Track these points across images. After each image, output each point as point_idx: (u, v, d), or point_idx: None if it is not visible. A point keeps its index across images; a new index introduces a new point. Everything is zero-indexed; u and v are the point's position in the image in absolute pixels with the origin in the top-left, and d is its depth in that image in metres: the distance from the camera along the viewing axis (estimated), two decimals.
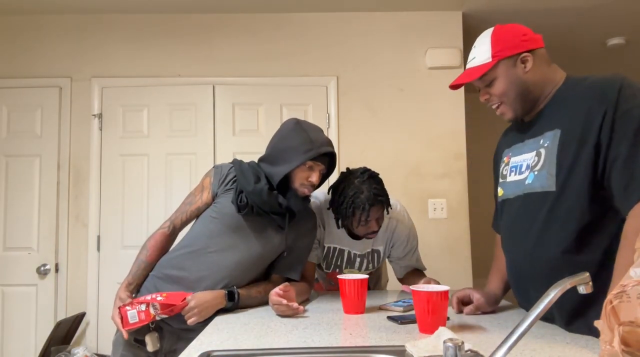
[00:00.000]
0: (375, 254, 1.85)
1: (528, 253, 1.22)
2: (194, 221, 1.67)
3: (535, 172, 1.21)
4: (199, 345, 1.10)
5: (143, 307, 1.42)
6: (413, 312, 1.41)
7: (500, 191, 1.39)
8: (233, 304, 1.50)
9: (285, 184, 1.58)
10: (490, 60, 1.23)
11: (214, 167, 1.68)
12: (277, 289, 1.42)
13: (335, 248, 1.81)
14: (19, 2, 2.94)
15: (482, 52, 1.25)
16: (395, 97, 3.11)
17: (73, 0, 2.93)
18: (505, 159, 1.39)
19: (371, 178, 1.67)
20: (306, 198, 1.64)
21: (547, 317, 1.21)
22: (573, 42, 3.55)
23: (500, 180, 1.39)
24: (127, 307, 1.43)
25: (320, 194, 1.84)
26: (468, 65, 1.30)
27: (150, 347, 1.47)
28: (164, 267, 1.58)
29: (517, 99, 1.24)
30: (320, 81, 3.11)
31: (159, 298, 1.42)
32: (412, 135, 3.07)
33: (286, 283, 1.48)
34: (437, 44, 3.11)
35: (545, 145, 1.20)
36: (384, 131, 3.07)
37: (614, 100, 1.08)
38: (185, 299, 1.43)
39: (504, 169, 1.38)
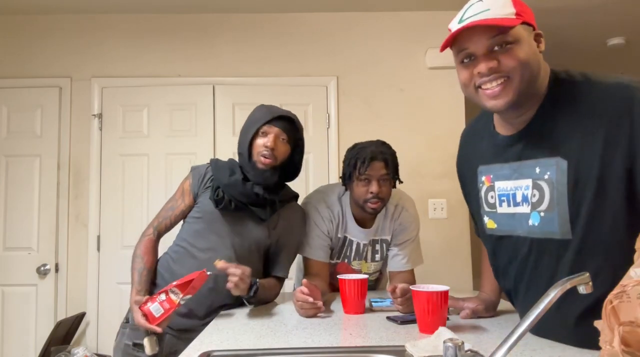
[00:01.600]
0: (384, 244, 1.85)
1: (551, 312, 0.88)
2: (177, 225, 1.67)
3: (542, 214, 1.02)
4: (199, 345, 1.11)
5: (163, 296, 1.37)
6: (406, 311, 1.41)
7: (489, 222, 1.17)
8: (252, 297, 1.48)
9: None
10: (514, 16, 0.95)
11: (191, 169, 1.68)
12: (302, 287, 1.41)
13: (346, 238, 1.82)
14: (19, 2, 2.94)
15: (499, 3, 0.96)
16: (395, 97, 3.11)
17: (73, 0, 2.93)
18: (484, 179, 1.17)
19: (384, 144, 1.75)
20: (270, 172, 1.55)
21: None
22: (573, 42, 3.55)
23: (487, 208, 1.17)
24: (148, 304, 1.38)
25: (335, 186, 1.87)
26: (476, 17, 0.96)
27: (148, 351, 1.46)
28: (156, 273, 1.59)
29: (528, 80, 0.98)
30: (320, 81, 3.11)
31: (174, 284, 1.37)
32: (412, 136, 3.07)
33: (307, 281, 1.47)
34: (437, 44, 3.07)
35: (545, 177, 1.00)
36: (384, 131, 3.05)
37: (637, 128, 0.89)
38: (203, 271, 1.38)
39: (488, 195, 1.16)
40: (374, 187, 1.66)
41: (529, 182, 1.04)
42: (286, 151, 1.59)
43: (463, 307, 1.35)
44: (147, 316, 1.37)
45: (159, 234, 1.63)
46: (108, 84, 3.07)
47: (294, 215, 1.70)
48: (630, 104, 0.91)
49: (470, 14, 0.98)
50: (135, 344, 1.51)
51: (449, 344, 0.83)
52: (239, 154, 1.60)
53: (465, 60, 1.02)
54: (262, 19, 3.12)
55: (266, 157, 1.53)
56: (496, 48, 0.97)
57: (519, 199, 1.06)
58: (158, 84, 3.07)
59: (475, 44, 0.98)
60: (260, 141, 1.55)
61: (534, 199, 1.03)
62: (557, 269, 1.02)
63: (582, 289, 0.83)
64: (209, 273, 1.36)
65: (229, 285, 1.39)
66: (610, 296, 0.73)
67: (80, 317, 2.88)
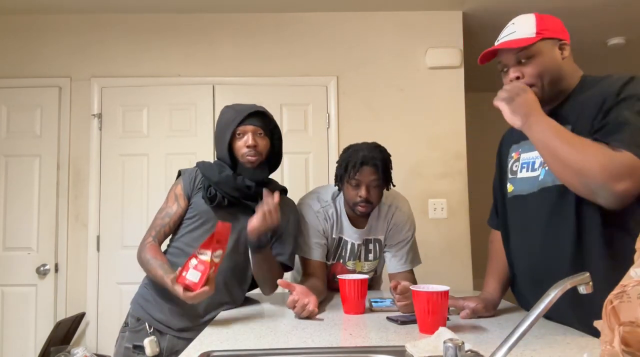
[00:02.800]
0: (377, 243, 1.85)
1: (549, 251, 1.21)
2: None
3: (547, 168, 1.21)
4: (199, 345, 1.10)
5: (194, 261, 1.31)
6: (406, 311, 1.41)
7: (509, 187, 1.36)
8: (262, 246, 1.50)
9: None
10: (534, 35, 1.20)
11: (180, 173, 1.68)
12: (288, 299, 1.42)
13: (341, 238, 1.82)
14: (19, 2, 2.94)
15: (525, 26, 1.22)
16: (395, 97, 3.11)
17: (73, 0, 2.93)
18: (514, 155, 1.37)
19: (377, 147, 1.73)
20: (260, 167, 1.58)
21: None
22: (573, 42, 3.46)
23: (510, 176, 1.37)
24: (183, 274, 1.32)
25: (329, 187, 1.86)
26: (505, 38, 1.25)
27: (149, 352, 1.46)
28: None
29: (549, 84, 1.21)
30: (320, 81, 3.11)
31: (198, 247, 1.32)
32: (412, 135, 3.07)
33: (281, 280, 1.47)
34: (437, 44, 3.11)
35: None
36: (384, 131, 3.07)
37: (617, 90, 1.09)
38: (219, 223, 1.34)
39: (513, 165, 1.36)
40: (362, 192, 1.67)
41: None
42: (267, 144, 1.61)
43: (463, 307, 1.36)
44: (188, 287, 1.32)
45: (159, 242, 1.60)
46: (108, 83, 3.06)
47: (285, 206, 1.68)
48: (621, 84, 1.10)
49: (503, 35, 1.27)
50: (135, 346, 1.51)
51: (449, 344, 0.83)
52: (220, 160, 1.62)
53: (504, 69, 1.28)
54: (262, 19, 3.12)
55: (252, 156, 1.55)
56: (522, 60, 1.22)
57: (536, 165, 1.27)
58: (158, 84, 3.06)
59: (505, 58, 1.25)
60: (239, 143, 1.56)
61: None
62: (555, 211, 1.18)
63: (582, 289, 0.83)
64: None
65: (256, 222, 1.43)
66: (610, 296, 0.73)
67: (80, 318, 2.88)
